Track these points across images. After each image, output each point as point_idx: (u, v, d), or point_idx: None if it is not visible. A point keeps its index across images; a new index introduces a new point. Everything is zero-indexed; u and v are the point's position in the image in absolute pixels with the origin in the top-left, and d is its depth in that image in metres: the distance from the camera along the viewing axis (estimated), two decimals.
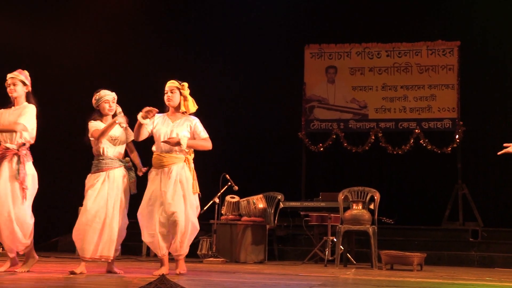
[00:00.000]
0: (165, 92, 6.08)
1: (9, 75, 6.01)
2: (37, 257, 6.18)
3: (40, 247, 10.60)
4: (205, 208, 8.69)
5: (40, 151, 12.05)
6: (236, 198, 9.03)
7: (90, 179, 6.12)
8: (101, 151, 6.10)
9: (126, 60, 11.48)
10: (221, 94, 11.57)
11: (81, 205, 8.73)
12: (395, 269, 7.62)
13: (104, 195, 6.00)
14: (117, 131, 6.15)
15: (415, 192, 10.99)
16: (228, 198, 9.06)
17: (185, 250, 6.04)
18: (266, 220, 9.10)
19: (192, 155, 6.16)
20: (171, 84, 6.08)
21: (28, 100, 6.02)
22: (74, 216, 9.34)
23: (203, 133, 6.13)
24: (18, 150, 5.84)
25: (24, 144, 5.89)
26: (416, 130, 11.31)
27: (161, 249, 5.93)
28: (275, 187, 9.84)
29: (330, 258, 8.09)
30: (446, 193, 10.83)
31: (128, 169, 6.19)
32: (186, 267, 6.16)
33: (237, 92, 11.73)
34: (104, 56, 11.43)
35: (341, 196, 8.09)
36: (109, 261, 6.04)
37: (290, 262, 8.68)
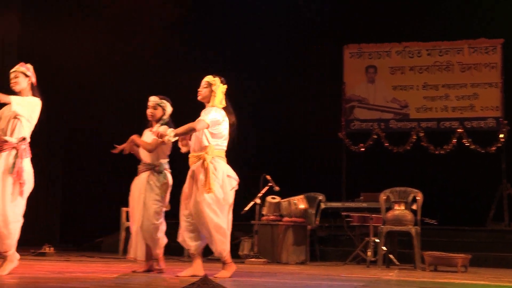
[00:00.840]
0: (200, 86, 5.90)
1: (11, 70, 5.76)
2: (17, 262, 5.60)
3: (84, 247, 10.79)
4: (246, 209, 8.72)
5: (84, 153, 12.27)
6: (277, 199, 9.03)
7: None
8: (140, 155, 6.31)
9: (147, 62, 11.58)
10: (261, 95, 11.59)
11: (124, 206, 8.94)
12: (439, 271, 7.53)
13: (134, 199, 6.23)
14: (150, 136, 6.24)
15: (458, 192, 10.84)
16: (269, 198, 9.06)
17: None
18: (307, 221, 9.08)
19: (210, 155, 5.69)
20: (205, 79, 5.87)
21: (33, 94, 5.72)
22: (118, 217, 9.51)
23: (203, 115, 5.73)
24: (17, 144, 5.53)
25: (24, 139, 5.59)
26: (459, 130, 11.17)
27: (190, 247, 5.79)
28: (316, 188, 9.80)
29: (372, 259, 8.02)
30: (490, 193, 10.66)
31: (158, 172, 6.22)
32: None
33: (277, 93, 11.73)
34: (135, 57, 11.55)
35: (382, 197, 8.03)
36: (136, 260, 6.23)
37: (332, 263, 8.65)
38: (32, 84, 5.74)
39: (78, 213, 11.58)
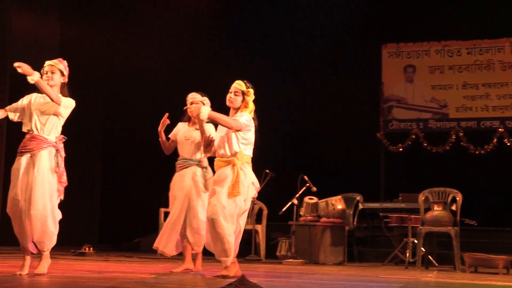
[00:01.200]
0: (230, 91, 5.68)
1: (47, 62, 5.58)
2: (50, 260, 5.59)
3: (123, 247, 10.90)
4: (283, 210, 8.72)
5: (123, 154, 12.41)
6: (315, 199, 9.01)
7: (171, 182, 6.31)
8: (179, 151, 6.28)
9: (193, 63, 11.64)
10: (300, 95, 11.58)
11: (163, 206, 8.97)
12: (479, 272, 7.42)
13: (177, 195, 6.18)
14: (192, 132, 6.22)
15: (499, 193, 10.66)
16: (306, 199, 9.04)
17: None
18: (345, 221, 9.04)
19: (240, 161, 5.55)
20: (237, 85, 5.66)
21: (62, 92, 5.57)
22: (156, 218, 9.59)
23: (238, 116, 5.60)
24: (56, 143, 5.46)
25: (62, 138, 5.54)
26: (500, 129, 10.99)
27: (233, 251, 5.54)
28: (353, 188, 9.76)
29: (411, 260, 7.95)
30: None
31: (202, 167, 6.18)
32: (264, 268, 6.19)
33: (315, 92, 11.70)
34: (171, 55, 11.63)
35: (421, 197, 7.95)
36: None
37: (370, 264, 8.59)
38: (63, 83, 5.63)
39: (117, 214, 11.71)
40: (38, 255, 5.48)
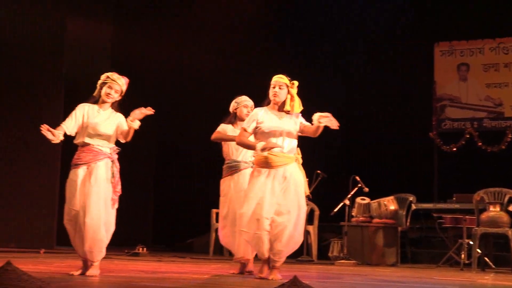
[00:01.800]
0: (272, 86, 5.57)
1: (113, 77, 5.63)
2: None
3: (176, 248, 11.02)
4: (335, 210, 8.68)
5: (175, 156, 12.54)
6: (367, 200, 8.94)
7: (221, 184, 6.23)
8: (230, 155, 6.19)
9: (245, 62, 11.68)
10: (350, 94, 11.51)
11: (215, 207, 9.02)
12: None
13: (232, 198, 6.04)
14: (232, 132, 6.13)
15: None
16: (358, 200, 8.98)
17: (283, 258, 5.52)
18: (398, 222, 8.94)
19: (300, 155, 5.64)
20: (279, 79, 5.57)
21: (113, 107, 5.67)
22: (208, 218, 9.66)
23: (305, 123, 5.61)
24: (111, 154, 5.56)
25: (116, 149, 5.65)
26: None
27: (267, 251, 5.43)
28: (406, 189, 9.64)
29: (466, 262, 7.81)
30: None
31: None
32: (317, 269, 6.17)
33: (367, 92, 11.61)
34: (223, 56, 11.69)
35: (476, 198, 7.81)
36: (249, 261, 6.03)
37: (424, 265, 8.48)
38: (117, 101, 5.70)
39: (170, 214, 11.84)
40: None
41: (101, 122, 5.52)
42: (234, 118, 6.28)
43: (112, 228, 5.49)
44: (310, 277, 5.75)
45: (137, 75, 11.48)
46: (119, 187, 5.53)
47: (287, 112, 5.57)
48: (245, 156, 6.14)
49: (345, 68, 11.71)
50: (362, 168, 9.98)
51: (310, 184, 8.60)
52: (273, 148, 5.37)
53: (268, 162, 5.41)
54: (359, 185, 8.66)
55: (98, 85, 5.64)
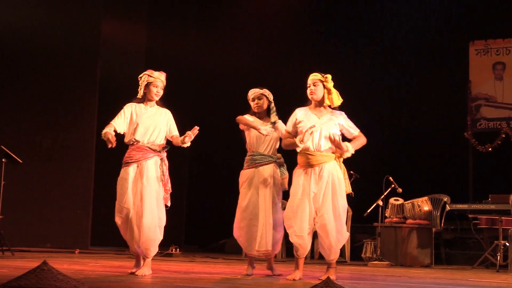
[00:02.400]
0: (308, 85, 5.71)
1: (154, 74, 5.79)
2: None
3: (209, 248, 11.06)
4: (368, 211, 8.63)
5: (209, 156, 12.58)
6: (400, 201, 8.87)
7: (241, 176, 6.11)
8: (253, 147, 6.05)
9: (280, 60, 11.68)
10: (383, 94, 11.44)
11: None
12: None
13: (255, 191, 5.93)
14: (268, 127, 6.01)
15: None
16: (392, 200, 8.91)
17: (337, 255, 5.69)
18: (432, 223, 8.85)
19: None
20: (313, 77, 5.71)
21: (159, 104, 5.87)
22: None
23: (353, 129, 5.76)
24: (160, 152, 5.69)
25: (165, 147, 5.79)
26: None
27: (306, 251, 5.62)
28: (440, 189, 9.54)
29: (502, 264, 7.70)
30: None
31: (279, 165, 6.05)
32: (350, 270, 6.14)
33: (400, 92, 11.53)
34: (258, 57, 11.70)
35: None
36: (269, 256, 5.95)
37: (459, 267, 8.39)
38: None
39: (203, 215, 11.89)
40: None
41: (150, 120, 5.68)
42: (252, 114, 6.23)
43: (163, 224, 5.66)
44: (342, 278, 5.73)
45: (172, 77, 11.61)
46: (169, 185, 5.69)
47: (328, 107, 5.71)
48: (268, 150, 6.01)
49: (379, 66, 11.64)
50: (396, 168, 9.89)
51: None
52: (305, 136, 5.49)
53: (307, 161, 5.54)
54: (393, 185, 8.60)
55: (141, 85, 5.80)
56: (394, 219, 8.78)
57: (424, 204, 8.72)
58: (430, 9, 11.55)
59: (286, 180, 6.04)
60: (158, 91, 5.77)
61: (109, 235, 10.55)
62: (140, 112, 5.71)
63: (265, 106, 6.17)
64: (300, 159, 5.63)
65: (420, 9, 11.63)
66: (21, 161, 8.28)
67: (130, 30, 11.21)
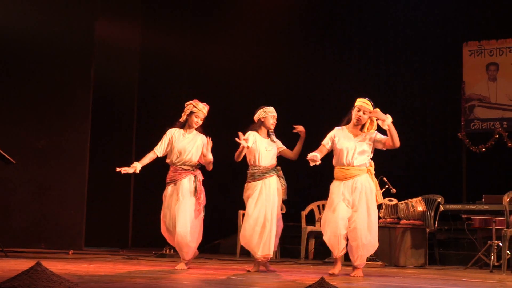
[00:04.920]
0: (357, 109, 6.29)
1: (199, 106, 6.68)
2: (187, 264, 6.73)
3: (204, 249, 11.03)
4: None
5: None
6: (394, 201, 8.88)
7: (248, 188, 6.69)
8: (257, 161, 6.64)
9: (277, 61, 11.69)
10: (378, 95, 11.43)
11: (241, 209, 9.12)
12: None
13: (263, 201, 6.54)
14: (269, 143, 6.71)
15: None
16: (386, 201, 8.92)
17: (364, 260, 6.29)
18: (426, 224, 8.87)
19: (373, 167, 6.45)
20: (365, 104, 6.30)
21: (197, 129, 6.76)
22: (235, 219, 9.68)
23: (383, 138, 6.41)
24: (193, 170, 6.62)
25: (197, 165, 6.71)
26: None
27: (340, 250, 6.21)
28: (434, 190, 9.56)
29: (496, 264, 7.71)
30: None
31: (280, 177, 6.72)
32: (344, 270, 6.17)
33: (394, 92, 11.55)
34: (254, 57, 11.70)
35: (506, 199, 7.70)
36: (269, 258, 6.63)
37: (452, 267, 8.41)
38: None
39: None
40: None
41: (185, 145, 6.59)
42: (259, 126, 6.75)
43: (196, 235, 6.62)
44: (337, 279, 5.74)
45: (166, 77, 11.61)
46: (202, 198, 6.62)
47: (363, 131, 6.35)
48: (270, 164, 6.68)
49: (375, 68, 11.66)
50: (390, 169, 9.91)
51: None
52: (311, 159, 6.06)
53: (342, 175, 6.24)
54: (387, 186, 8.61)
55: (185, 111, 6.68)
56: (388, 219, 8.79)
57: (418, 205, 8.73)
58: (424, 10, 11.58)
59: (285, 191, 6.77)
60: (198, 122, 6.70)
61: (103, 236, 10.56)
62: (179, 138, 6.64)
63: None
64: (336, 172, 6.32)
65: (414, 10, 11.65)
66: (14, 162, 8.26)
67: (125, 30, 11.17)
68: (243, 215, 9.48)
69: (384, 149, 6.46)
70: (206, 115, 6.75)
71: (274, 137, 6.80)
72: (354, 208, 6.16)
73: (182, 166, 6.60)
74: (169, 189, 6.63)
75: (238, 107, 11.45)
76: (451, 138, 11.23)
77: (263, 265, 6.66)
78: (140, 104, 11.26)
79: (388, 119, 6.22)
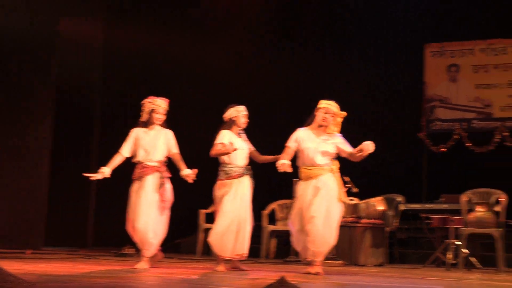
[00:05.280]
0: (323, 111, 6.37)
1: (157, 102, 6.66)
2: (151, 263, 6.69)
3: (164, 248, 10.97)
4: None
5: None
6: (355, 200, 8.95)
7: (223, 185, 6.68)
8: (231, 160, 6.66)
9: (245, 58, 11.70)
10: (340, 95, 11.48)
11: (203, 208, 9.15)
12: None
13: (238, 200, 6.60)
14: (241, 142, 6.73)
15: None
16: (347, 200, 8.98)
17: (321, 256, 6.32)
18: (386, 223, 8.95)
19: (337, 166, 6.51)
20: (332, 107, 6.43)
21: (163, 126, 6.72)
22: (195, 219, 9.66)
23: (348, 147, 6.47)
24: (159, 167, 6.56)
25: (165, 162, 6.65)
26: None
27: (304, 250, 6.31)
28: (395, 189, 9.65)
29: (453, 262, 7.84)
30: None
31: (251, 177, 6.78)
32: (304, 269, 6.21)
33: (356, 92, 11.63)
34: (222, 54, 11.69)
35: (464, 198, 7.85)
36: (243, 258, 6.68)
37: (411, 266, 8.51)
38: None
39: None
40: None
41: (150, 142, 6.58)
42: (231, 126, 6.77)
43: (160, 232, 6.58)
44: (297, 277, 5.76)
45: (130, 74, 11.51)
46: (166, 195, 6.54)
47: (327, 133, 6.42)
48: (243, 163, 6.73)
49: (338, 69, 11.72)
50: (351, 168, 9.98)
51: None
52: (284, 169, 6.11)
53: (306, 175, 6.33)
54: (348, 185, 8.67)
55: (144, 112, 6.65)
56: (349, 218, 8.84)
57: (378, 204, 8.81)
58: (386, 10, 11.68)
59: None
60: (159, 117, 6.66)
61: (63, 236, 10.44)
62: (143, 136, 6.61)
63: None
64: (300, 172, 6.39)
65: (376, 11, 11.75)
66: None
67: (88, 27, 11.05)
68: (205, 214, 9.51)
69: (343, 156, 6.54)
70: (167, 108, 6.73)
71: (244, 137, 6.88)
72: (315, 206, 6.21)
73: (149, 163, 6.56)
74: (135, 185, 6.59)
75: (205, 105, 11.43)
76: (412, 138, 11.37)
77: (233, 265, 6.70)
78: (104, 102, 11.16)
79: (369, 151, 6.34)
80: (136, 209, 6.45)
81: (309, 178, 6.32)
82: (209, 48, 11.72)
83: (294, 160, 6.42)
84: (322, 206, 6.19)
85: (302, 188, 6.36)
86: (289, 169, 6.12)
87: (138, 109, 6.76)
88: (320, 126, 6.39)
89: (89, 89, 11.07)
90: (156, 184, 6.53)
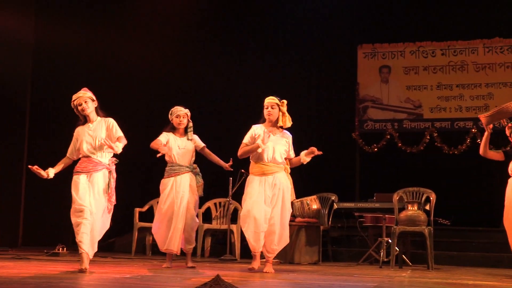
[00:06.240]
0: (265, 107, 6.58)
1: (75, 96, 6.25)
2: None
3: (98, 247, 10.80)
4: None
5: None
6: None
7: (162, 183, 6.94)
8: (172, 159, 6.91)
9: (176, 56, 11.63)
10: (275, 95, 11.57)
11: (139, 207, 9.13)
12: (453, 271, 7.48)
13: (172, 197, 6.81)
14: (184, 141, 6.96)
15: (472, 193, 10.76)
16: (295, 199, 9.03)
17: (275, 254, 6.59)
18: (320, 221, 9.06)
19: (289, 165, 6.71)
20: (271, 100, 6.59)
21: (98, 114, 6.35)
22: (131, 217, 9.54)
23: (292, 152, 6.74)
24: (109, 165, 6.24)
25: (115, 161, 6.35)
26: (473, 130, 11.10)
27: (260, 246, 6.41)
28: (329, 188, 9.77)
29: (385, 260, 8.00)
30: (504, 194, 10.54)
31: (195, 174, 6.99)
32: (240, 267, 6.21)
33: (290, 92, 11.69)
34: (154, 51, 11.60)
35: (395, 197, 8.00)
36: (173, 253, 6.85)
37: (345, 263, 8.63)
38: (96, 107, 6.33)
39: None
40: None
41: (91, 133, 6.19)
42: (172, 128, 7.01)
43: (103, 232, 6.38)
44: (232, 276, 5.77)
45: (60, 71, 11.26)
46: (113, 198, 6.22)
47: (281, 127, 6.63)
48: (185, 161, 6.92)
49: (269, 68, 11.78)
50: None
51: (234, 183, 8.64)
52: (265, 138, 6.37)
53: (261, 171, 6.45)
54: None
55: (76, 109, 6.25)
56: None
57: (312, 203, 8.89)
58: (320, 11, 11.81)
59: (201, 187, 7.03)
60: (85, 107, 6.20)
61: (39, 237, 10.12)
62: (83, 132, 6.21)
63: (186, 124, 7.02)
64: (254, 168, 6.51)
65: (311, 11, 11.87)
66: None
67: (18, 22, 10.76)
68: (139, 212, 9.42)
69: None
70: (90, 95, 6.26)
71: (190, 135, 7.00)
72: (272, 204, 6.41)
73: (98, 159, 6.15)
74: (81, 178, 6.10)
75: (137, 102, 11.31)
76: (345, 137, 11.53)
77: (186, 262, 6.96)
78: (34, 100, 10.88)
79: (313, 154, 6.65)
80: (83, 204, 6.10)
81: (263, 174, 6.44)
82: (138, 45, 11.62)
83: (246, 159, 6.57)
84: (279, 206, 6.41)
85: (256, 184, 6.44)
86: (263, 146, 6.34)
87: (70, 107, 6.60)
88: (270, 121, 6.58)
89: (19, 86, 10.79)
90: (105, 184, 6.18)
